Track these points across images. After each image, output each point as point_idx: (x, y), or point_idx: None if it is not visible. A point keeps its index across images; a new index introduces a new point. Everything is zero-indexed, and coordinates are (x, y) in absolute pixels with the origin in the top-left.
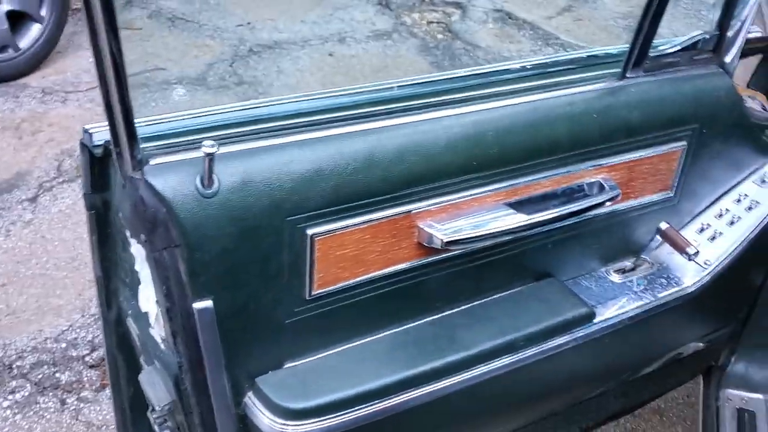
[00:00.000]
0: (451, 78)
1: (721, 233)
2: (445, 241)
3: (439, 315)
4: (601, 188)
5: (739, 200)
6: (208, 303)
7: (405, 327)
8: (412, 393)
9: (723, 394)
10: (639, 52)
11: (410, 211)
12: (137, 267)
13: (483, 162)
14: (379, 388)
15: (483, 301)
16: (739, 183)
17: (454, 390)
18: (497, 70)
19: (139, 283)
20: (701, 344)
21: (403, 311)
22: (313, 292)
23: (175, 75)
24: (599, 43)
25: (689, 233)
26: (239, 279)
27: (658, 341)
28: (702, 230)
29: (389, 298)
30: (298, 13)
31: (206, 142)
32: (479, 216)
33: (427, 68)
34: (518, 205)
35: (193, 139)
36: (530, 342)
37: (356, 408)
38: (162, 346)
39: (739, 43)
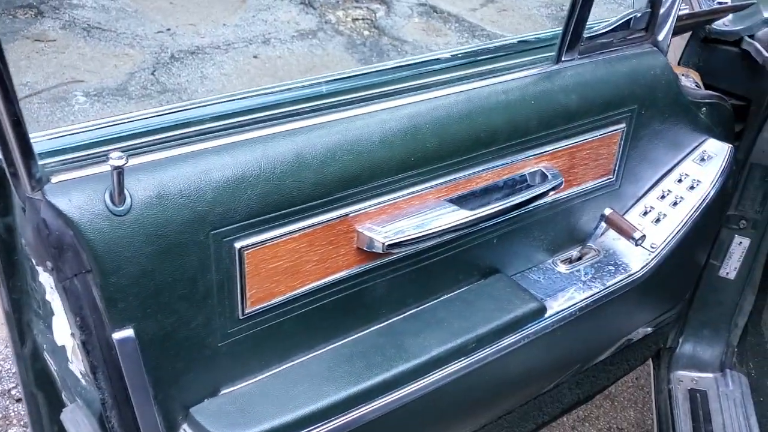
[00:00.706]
0: (382, 70)
1: (665, 215)
2: (386, 244)
3: (385, 323)
4: (544, 177)
5: (680, 180)
6: (129, 332)
7: (349, 339)
8: (362, 409)
9: (674, 377)
10: (573, 34)
11: (347, 215)
12: (48, 297)
13: (421, 157)
14: (325, 407)
15: (430, 303)
16: (678, 163)
17: (405, 401)
18: (429, 60)
19: (52, 314)
20: (650, 328)
21: (345, 322)
22: (247, 311)
23: (94, 87)
24: (525, 32)
25: (633, 217)
26: (163, 303)
27: (610, 329)
28: (645, 213)
29: (330, 310)
30: (219, 16)
31: (113, 154)
32: (420, 215)
33: (356, 65)
34: (460, 201)
35: (100, 152)
36: (482, 342)
37: None
38: (83, 382)
39: (671, 20)
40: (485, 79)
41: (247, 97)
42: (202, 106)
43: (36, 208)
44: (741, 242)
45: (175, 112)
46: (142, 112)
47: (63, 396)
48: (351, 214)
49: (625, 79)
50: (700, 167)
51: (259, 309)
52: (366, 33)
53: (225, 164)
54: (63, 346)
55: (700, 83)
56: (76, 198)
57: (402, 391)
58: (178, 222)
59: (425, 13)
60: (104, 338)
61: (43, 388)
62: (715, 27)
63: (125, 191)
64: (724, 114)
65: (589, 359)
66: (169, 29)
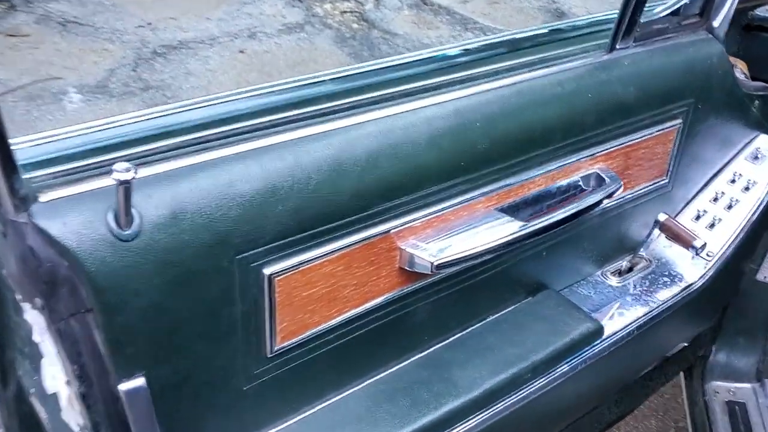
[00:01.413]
0: (423, 59)
1: (720, 219)
2: (435, 264)
3: (428, 351)
4: (600, 180)
5: (733, 180)
6: (139, 381)
7: (390, 371)
8: None
9: (709, 388)
10: (630, 20)
11: (389, 231)
12: (36, 338)
13: (471, 161)
14: None
15: (475, 327)
16: (730, 161)
17: None
18: (472, 48)
19: (41, 356)
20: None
21: (384, 353)
22: (276, 347)
23: (72, 83)
24: (517, 26)
25: (685, 221)
26: (179, 344)
27: (659, 344)
28: (698, 217)
29: (368, 340)
30: (202, 10)
31: (119, 165)
32: (470, 228)
33: (346, 60)
34: (512, 210)
35: (100, 162)
36: (537, 371)
37: None
38: None
39: (728, 5)
40: (537, 69)
41: (274, 93)
42: (221, 103)
43: (21, 234)
44: None
45: (189, 110)
46: (150, 111)
47: None
48: (393, 230)
49: (682, 70)
50: (755, 166)
51: (290, 344)
52: (355, 26)
53: (251, 174)
54: (55, 394)
55: (747, 74)
56: (71, 220)
57: (453, 431)
58: (197, 246)
59: (415, 5)
60: (109, 389)
61: None
62: (758, 13)
63: (133, 210)
64: None
65: (635, 377)
66: (149, 23)
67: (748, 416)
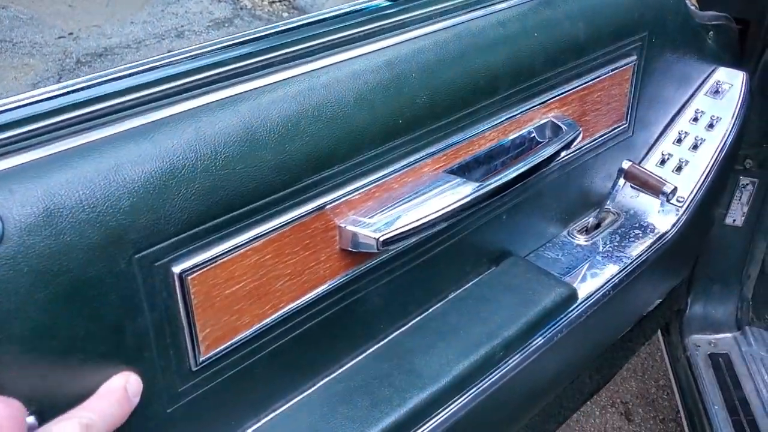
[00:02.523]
0: (345, 13)
1: (686, 161)
2: (380, 239)
3: (386, 340)
4: (557, 129)
5: (696, 119)
6: (29, 421)
7: (344, 369)
8: None
9: (689, 343)
10: None
11: (323, 207)
12: None
13: (410, 117)
14: None
15: (437, 307)
16: (690, 98)
17: None
18: None
19: None
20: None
21: (337, 348)
22: (201, 358)
23: None
24: None
25: (650, 168)
26: (77, 371)
27: (636, 302)
28: (663, 162)
29: (315, 335)
30: (125, 14)
31: None
32: (418, 195)
33: None
34: (463, 171)
35: None
36: (510, 348)
37: None
38: None
39: None
40: (476, 8)
41: (170, 64)
42: (103, 81)
43: None
44: (747, 184)
45: (65, 91)
46: (13, 95)
47: None
48: (328, 206)
49: (633, 1)
50: (716, 101)
51: (217, 353)
52: (285, 15)
53: (144, 155)
54: None
55: (697, 5)
56: None
57: (421, 428)
58: (84, 248)
59: None
60: None
61: None
62: None
63: None
64: (730, 37)
65: (614, 340)
66: (71, 33)
67: (733, 367)
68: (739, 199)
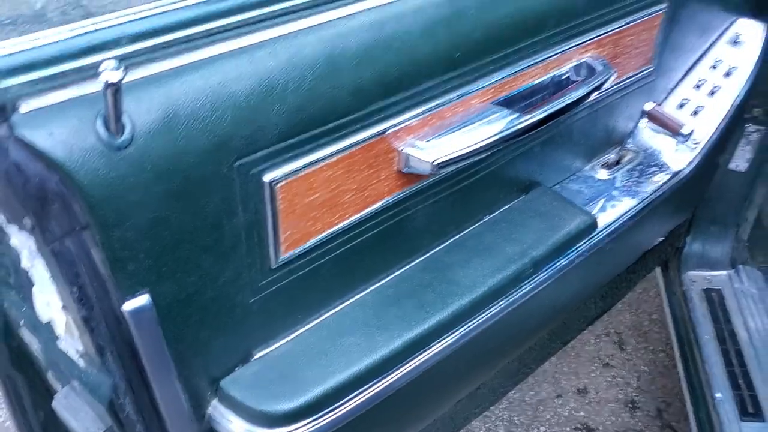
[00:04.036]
0: None
1: (703, 107)
2: (435, 163)
3: (429, 254)
4: (591, 69)
5: (714, 66)
6: (143, 299)
7: (394, 276)
8: (421, 356)
9: (686, 278)
10: None
11: (386, 131)
12: (24, 264)
13: (466, 51)
14: (380, 360)
15: (473, 228)
16: (711, 46)
17: (463, 341)
18: None
19: (31, 284)
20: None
21: (388, 257)
22: (281, 257)
23: (6, 15)
24: None
25: (669, 110)
26: (182, 257)
27: (648, 235)
28: (682, 105)
29: (371, 245)
30: None
31: (106, 64)
32: (467, 124)
33: None
34: (508, 104)
35: (82, 64)
36: (538, 266)
37: (356, 393)
38: (81, 363)
39: None
40: None
41: None
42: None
43: (2, 149)
44: (754, 132)
45: (173, 8)
46: (132, 11)
47: (50, 378)
48: (390, 130)
49: None
50: (735, 50)
51: (294, 254)
52: None
53: (245, 73)
54: (49, 322)
55: None
56: (58, 130)
57: (460, 330)
58: (195, 152)
59: None
60: (111, 310)
61: (22, 370)
62: None
63: (124, 116)
64: None
65: (621, 270)
66: None
67: (725, 302)
68: (745, 146)
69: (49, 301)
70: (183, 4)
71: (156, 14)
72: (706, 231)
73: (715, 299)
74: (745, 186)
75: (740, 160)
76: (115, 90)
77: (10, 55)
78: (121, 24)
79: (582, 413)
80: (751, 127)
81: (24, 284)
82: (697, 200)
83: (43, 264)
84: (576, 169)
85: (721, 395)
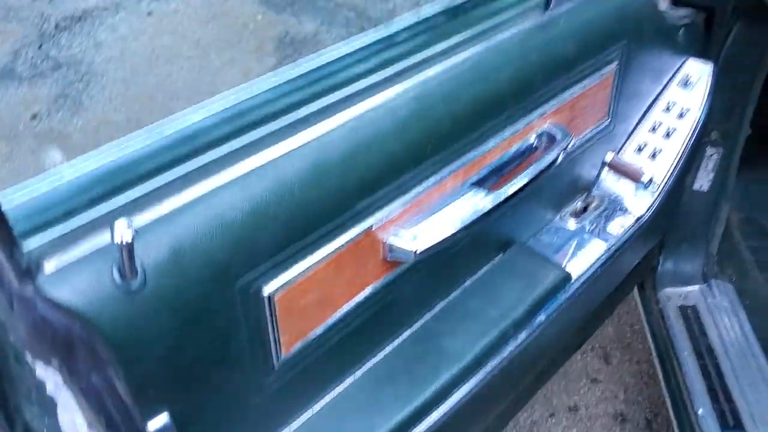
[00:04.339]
0: (369, 45)
1: (660, 149)
2: (418, 251)
3: (417, 325)
4: (552, 136)
5: (668, 109)
6: (163, 418)
7: (386, 352)
8: (418, 428)
9: (662, 296)
10: None
11: (371, 226)
12: (51, 393)
13: (437, 142)
14: None
15: (456, 294)
16: (663, 90)
17: (456, 408)
18: (413, 25)
19: (55, 405)
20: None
21: (380, 336)
22: (282, 357)
23: None
24: None
25: (629, 155)
26: (196, 376)
27: (620, 271)
28: (640, 149)
29: (363, 328)
30: None
31: (119, 224)
32: (445, 207)
33: (258, 8)
34: (480, 181)
35: (94, 216)
36: (519, 326)
37: None
38: None
39: None
40: (484, 40)
41: (239, 106)
42: (192, 130)
43: (30, 306)
44: (713, 154)
45: (160, 139)
46: (120, 147)
47: None
48: (375, 225)
49: (614, 15)
50: (686, 92)
51: (294, 352)
52: None
53: (239, 200)
54: None
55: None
56: (79, 283)
57: (452, 397)
58: (201, 282)
59: None
60: (136, 430)
61: None
62: None
63: (136, 262)
64: (698, 31)
65: (600, 304)
66: None
67: (700, 317)
68: (706, 167)
69: (74, 421)
70: (169, 139)
71: (144, 146)
72: (677, 249)
73: (690, 315)
74: (710, 204)
75: (703, 180)
76: (129, 245)
77: (28, 216)
78: (111, 161)
79: (575, 430)
80: (710, 150)
81: (47, 404)
82: (664, 227)
83: (69, 395)
84: (547, 220)
85: (703, 410)
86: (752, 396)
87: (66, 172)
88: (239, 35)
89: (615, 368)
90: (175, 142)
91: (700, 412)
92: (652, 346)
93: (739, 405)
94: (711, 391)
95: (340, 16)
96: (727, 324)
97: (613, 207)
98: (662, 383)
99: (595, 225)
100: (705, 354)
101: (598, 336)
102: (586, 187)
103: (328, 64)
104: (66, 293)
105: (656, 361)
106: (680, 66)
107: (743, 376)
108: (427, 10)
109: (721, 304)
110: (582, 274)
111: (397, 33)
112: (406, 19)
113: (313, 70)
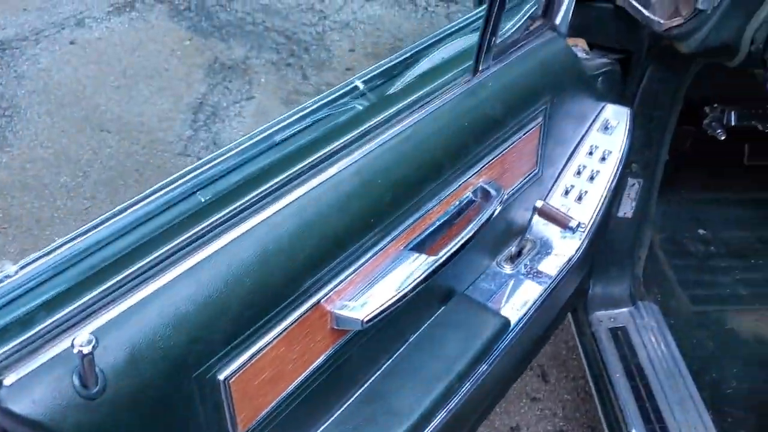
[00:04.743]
0: (307, 126)
1: (586, 192)
2: (365, 320)
3: (366, 385)
4: (486, 193)
5: (590, 153)
6: None
7: (339, 414)
8: None
9: (593, 319)
10: (488, 43)
11: (319, 302)
12: None
13: (379, 215)
14: None
15: (402, 350)
16: (585, 136)
17: None
18: (353, 99)
19: None
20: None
21: (330, 402)
22: None
23: None
24: None
25: (557, 198)
26: None
27: (555, 307)
28: (567, 192)
29: (314, 397)
30: (15, 1)
31: (79, 339)
32: (388, 275)
33: (186, 34)
34: (421, 245)
35: (52, 325)
36: (463, 378)
37: None
38: None
39: (566, 2)
40: (417, 109)
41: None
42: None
43: None
44: (634, 184)
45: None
46: (70, 249)
47: None
48: (323, 299)
49: (538, 74)
50: (607, 136)
51: (250, 428)
52: None
53: (192, 293)
54: None
55: (587, 48)
56: (39, 395)
57: None
58: (159, 379)
59: None
60: None
61: None
62: None
63: (96, 368)
64: (616, 78)
65: (538, 340)
66: None
67: (630, 338)
68: (629, 196)
69: None
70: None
71: (105, 255)
72: (606, 273)
73: (620, 337)
74: (634, 229)
75: (627, 208)
76: (89, 356)
77: None
78: (78, 275)
79: None
80: (632, 180)
81: None
82: (592, 259)
83: None
84: (484, 267)
85: (635, 431)
86: (680, 415)
87: (19, 279)
88: (167, 62)
89: (553, 386)
90: (126, 240)
91: None
92: (587, 368)
93: (669, 424)
94: (642, 410)
95: (269, 40)
96: (654, 343)
97: (546, 249)
98: (597, 404)
99: (529, 267)
100: (636, 374)
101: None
102: (520, 232)
103: (267, 147)
104: (26, 405)
105: (591, 382)
106: (600, 112)
107: (671, 394)
108: (363, 84)
109: (648, 324)
110: (521, 318)
111: (335, 108)
112: (344, 93)
113: (254, 155)
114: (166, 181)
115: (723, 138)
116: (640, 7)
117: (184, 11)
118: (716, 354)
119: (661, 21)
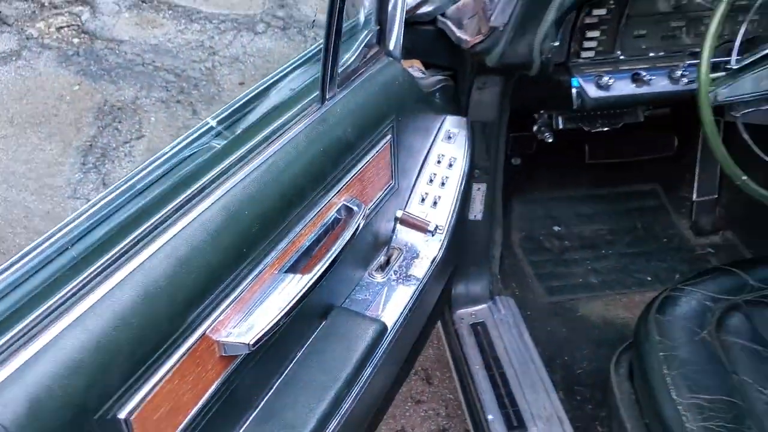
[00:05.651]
0: (173, 167)
1: (439, 197)
2: (251, 343)
3: (262, 405)
4: (349, 210)
5: (438, 161)
6: None
7: None
8: None
9: (456, 317)
10: (331, 73)
11: (205, 332)
12: None
13: (250, 245)
14: None
15: (291, 366)
16: (432, 146)
17: None
18: (211, 137)
19: None
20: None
21: (230, 423)
22: None
23: None
24: (241, 6)
25: (415, 206)
26: None
27: (428, 307)
28: (423, 200)
29: (214, 422)
30: None
31: None
32: (268, 298)
33: (75, 79)
34: (295, 266)
35: None
36: (351, 385)
37: None
38: None
39: (396, 29)
40: (274, 139)
41: (60, 245)
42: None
43: None
44: (479, 188)
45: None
46: None
47: None
48: (208, 330)
49: (381, 95)
50: (450, 145)
51: None
52: (76, 41)
53: (84, 341)
54: None
55: (423, 68)
56: None
57: None
58: (63, 425)
59: (134, 5)
60: None
61: None
62: (411, 14)
63: None
64: (450, 92)
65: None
66: None
67: (488, 332)
68: (477, 200)
69: None
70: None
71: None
72: (467, 273)
73: (480, 331)
74: (486, 231)
75: (477, 211)
76: None
77: None
78: None
79: None
80: (477, 185)
81: None
82: (456, 258)
83: None
84: (358, 278)
85: (492, 416)
86: (531, 397)
87: None
88: (56, 108)
89: (436, 387)
90: (10, 299)
91: (490, 417)
92: (452, 364)
93: (522, 406)
94: (498, 397)
95: (159, 79)
96: (510, 335)
97: (412, 254)
98: (461, 396)
99: (399, 273)
100: (492, 364)
101: (420, 359)
102: (386, 242)
103: (133, 194)
104: None
105: (456, 377)
106: (442, 123)
107: (524, 380)
108: (217, 123)
109: (505, 318)
110: (396, 320)
111: (193, 149)
112: (201, 134)
113: (122, 204)
114: (38, 240)
115: (550, 141)
116: (453, 28)
117: (73, 56)
118: (569, 339)
119: (468, 39)
